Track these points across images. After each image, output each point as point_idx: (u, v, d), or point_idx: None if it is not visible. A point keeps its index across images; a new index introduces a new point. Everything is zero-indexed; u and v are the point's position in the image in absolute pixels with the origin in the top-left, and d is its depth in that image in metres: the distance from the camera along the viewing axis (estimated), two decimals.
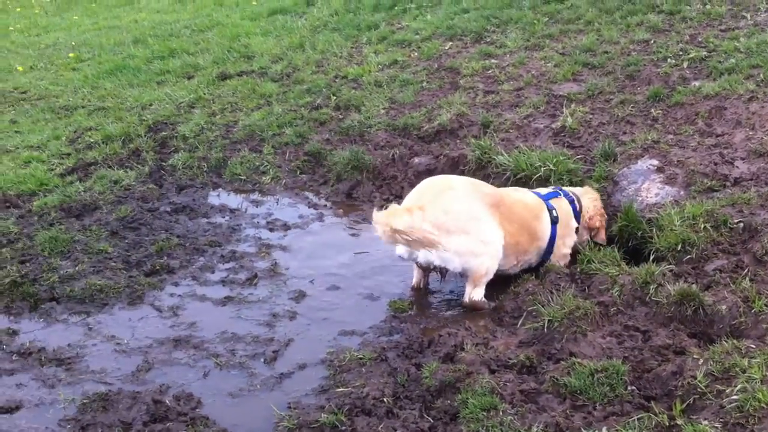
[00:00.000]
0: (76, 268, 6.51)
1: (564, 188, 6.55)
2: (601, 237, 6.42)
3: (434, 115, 8.76)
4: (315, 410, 4.62)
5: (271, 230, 7.40)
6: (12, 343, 5.55)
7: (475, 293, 5.84)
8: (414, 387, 4.78)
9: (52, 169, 8.90)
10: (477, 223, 5.71)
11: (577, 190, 6.61)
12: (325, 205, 7.98)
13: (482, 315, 5.76)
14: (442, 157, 8.09)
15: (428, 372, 4.79)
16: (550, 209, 6.18)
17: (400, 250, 5.78)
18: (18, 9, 21.87)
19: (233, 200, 8.16)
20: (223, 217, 7.70)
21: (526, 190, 6.45)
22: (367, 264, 6.70)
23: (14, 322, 5.87)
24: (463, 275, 5.88)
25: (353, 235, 7.32)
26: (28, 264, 6.63)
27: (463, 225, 5.66)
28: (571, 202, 6.38)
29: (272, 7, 15.38)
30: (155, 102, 10.83)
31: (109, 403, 4.75)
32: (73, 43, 15.80)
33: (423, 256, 5.72)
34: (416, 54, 10.90)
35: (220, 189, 8.48)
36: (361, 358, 5.14)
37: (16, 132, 10.51)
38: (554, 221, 6.15)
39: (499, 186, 7.23)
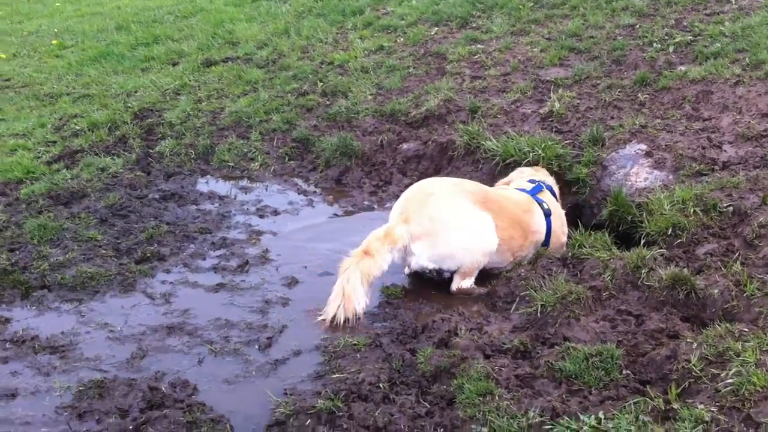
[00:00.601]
0: (66, 256, 6.48)
1: (530, 177, 6.58)
2: None
3: (421, 101, 8.75)
4: (311, 396, 4.61)
5: (261, 217, 7.39)
6: (5, 331, 5.51)
7: (464, 283, 5.86)
8: (409, 372, 4.78)
9: (39, 157, 8.83)
10: (465, 219, 5.73)
11: (526, 171, 6.74)
12: (315, 192, 7.97)
13: (475, 300, 5.77)
14: (430, 142, 8.10)
15: (423, 357, 4.79)
16: (540, 203, 6.19)
17: (393, 257, 5.73)
18: None
19: (222, 187, 8.14)
20: (213, 204, 7.67)
21: (509, 188, 6.48)
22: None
23: (6, 310, 5.83)
24: (456, 272, 5.89)
25: (344, 220, 7.32)
26: (17, 252, 6.60)
27: (451, 225, 5.69)
28: (550, 189, 6.46)
29: None
30: (140, 89, 10.76)
31: (105, 390, 4.73)
32: (56, 30, 15.65)
33: (415, 263, 5.78)
34: (402, 40, 10.86)
35: (209, 176, 8.45)
36: (355, 344, 5.13)
37: (0, 120, 10.41)
38: (547, 214, 6.17)
39: (489, 171, 7.31)
